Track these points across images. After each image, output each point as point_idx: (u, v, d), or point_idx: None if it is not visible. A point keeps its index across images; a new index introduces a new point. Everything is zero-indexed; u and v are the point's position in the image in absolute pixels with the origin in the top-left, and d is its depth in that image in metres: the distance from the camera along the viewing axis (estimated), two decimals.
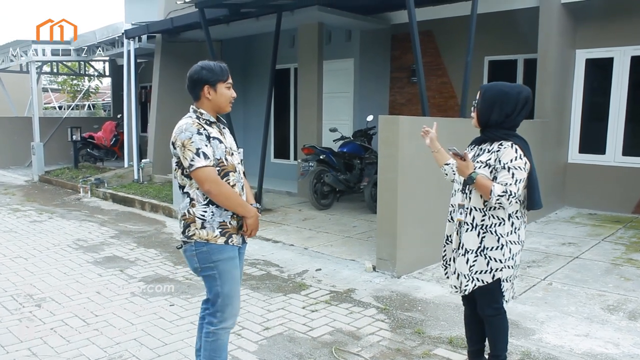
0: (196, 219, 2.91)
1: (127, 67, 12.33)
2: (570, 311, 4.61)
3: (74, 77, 21.35)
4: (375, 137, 9.03)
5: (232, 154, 3.03)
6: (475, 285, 3.11)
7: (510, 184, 2.91)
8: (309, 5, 9.10)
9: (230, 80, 3.05)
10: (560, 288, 5.20)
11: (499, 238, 3.03)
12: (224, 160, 2.93)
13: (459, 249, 3.19)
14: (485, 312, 3.21)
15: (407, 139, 5.41)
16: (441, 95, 10.63)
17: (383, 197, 5.59)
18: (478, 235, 3.07)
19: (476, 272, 3.09)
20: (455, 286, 3.26)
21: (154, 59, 12.57)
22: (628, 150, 8.78)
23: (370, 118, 9.22)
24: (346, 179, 9.01)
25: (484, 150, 3.12)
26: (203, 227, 2.90)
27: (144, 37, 12.37)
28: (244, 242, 3.08)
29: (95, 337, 4.11)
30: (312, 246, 6.82)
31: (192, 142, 2.82)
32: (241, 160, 3.24)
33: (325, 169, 8.88)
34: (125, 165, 12.58)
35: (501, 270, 3.05)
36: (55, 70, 19.09)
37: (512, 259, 3.07)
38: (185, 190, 2.95)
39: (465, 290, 3.15)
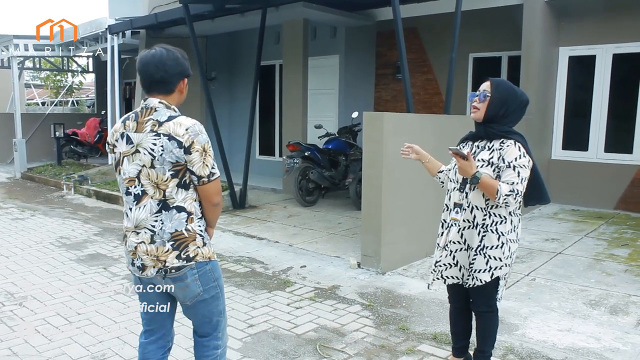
0: (197, 236, 2.50)
1: (110, 63, 12.20)
2: (553, 306, 4.65)
3: (57, 72, 21.10)
4: (361, 134, 9.02)
5: None
6: (474, 284, 3.09)
7: (517, 183, 2.89)
8: (294, 1, 9.07)
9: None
10: (544, 284, 5.25)
11: (499, 236, 3.01)
12: None
13: (444, 248, 3.18)
14: (479, 309, 3.22)
15: (391, 136, 5.42)
16: (426, 91, 10.67)
17: (368, 193, 5.60)
18: (478, 234, 3.03)
19: (476, 270, 3.06)
20: (456, 277, 3.19)
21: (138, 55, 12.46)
22: (610, 147, 8.88)
23: (355, 115, 9.23)
24: (331, 176, 9.02)
25: (483, 147, 3.08)
26: (204, 244, 2.53)
27: (128, 32, 12.25)
28: None
29: (77, 336, 4.07)
30: (297, 243, 6.81)
31: (211, 147, 2.46)
32: None
33: (310, 165, 8.87)
34: (109, 161, 12.46)
35: (500, 268, 3.03)
36: (37, 66, 18.84)
37: (511, 257, 3.06)
38: (176, 205, 2.44)
39: (467, 283, 3.14)
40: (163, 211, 2.44)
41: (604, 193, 8.84)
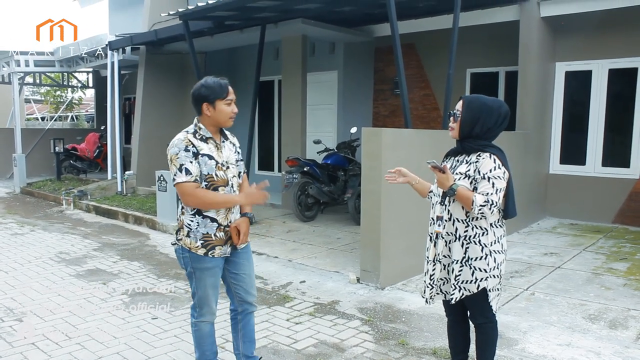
0: (184, 226, 3.18)
1: (110, 79, 12.28)
2: (552, 321, 4.66)
3: (57, 88, 21.19)
4: (359, 149, 9.08)
5: (228, 167, 3.21)
6: (462, 294, 3.13)
7: (491, 194, 2.96)
8: (293, 18, 9.17)
9: (230, 97, 3.15)
10: (543, 298, 5.26)
11: (482, 248, 3.06)
12: (213, 175, 3.11)
13: (434, 261, 3.22)
14: (477, 321, 3.24)
15: (390, 151, 5.45)
16: (424, 107, 10.73)
17: (366, 209, 5.62)
18: (462, 246, 3.10)
19: (462, 281, 3.11)
20: (446, 291, 3.24)
21: (138, 71, 12.55)
22: (607, 161, 8.93)
23: (354, 130, 9.27)
24: (330, 191, 9.04)
25: (461, 161, 3.17)
26: (188, 235, 3.16)
27: (128, 48, 12.36)
28: (234, 248, 3.28)
29: (77, 352, 4.07)
30: (296, 258, 6.82)
31: (178, 157, 3.04)
32: (239, 173, 3.35)
33: (309, 180, 8.89)
34: (109, 177, 12.49)
35: (486, 279, 3.07)
36: (38, 81, 18.93)
37: (497, 268, 3.10)
38: (179, 198, 3.18)
39: (452, 297, 3.16)
40: (177, 202, 3.34)
41: (601, 207, 8.87)
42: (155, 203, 9.06)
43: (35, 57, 13.97)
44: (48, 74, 17.47)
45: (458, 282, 3.12)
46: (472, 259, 3.07)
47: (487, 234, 3.08)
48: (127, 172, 12.08)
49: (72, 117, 25.87)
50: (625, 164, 8.73)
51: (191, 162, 3.04)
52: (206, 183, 3.10)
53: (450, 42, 6.99)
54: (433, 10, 9.04)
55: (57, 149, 13.88)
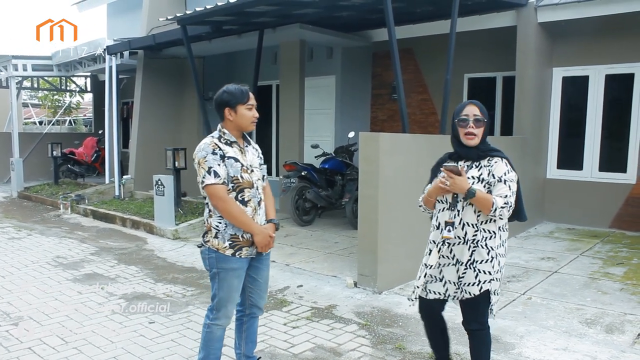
0: (212, 228, 3.29)
1: (108, 83, 12.29)
2: (549, 325, 4.66)
3: (55, 92, 21.19)
4: (357, 154, 9.06)
5: (252, 170, 3.34)
6: (463, 296, 3.14)
7: (509, 196, 3.02)
8: (291, 23, 9.19)
9: (251, 102, 3.30)
10: (540, 302, 5.26)
11: (489, 251, 3.09)
12: (239, 177, 3.24)
13: (437, 267, 3.20)
14: (470, 327, 3.24)
15: (387, 156, 5.46)
16: (422, 111, 10.76)
17: (364, 213, 5.63)
18: (469, 249, 3.10)
19: (465, 284, 3.12)
20: (439, 292, 3.22)
21: (136, 75, 12.55)
22: (604, 166, 8.95)
23: (351, 134, 9.29)
24: (328, 195, 9.05)
25: (470, 166, 3.17)
26: (216, 236, 3.27)
27: (126, 53, 12.35)
28: (259, 253, 3.38)
29: (74, 356, 4.07)
30: (293, 262, 6.82)
31: (206, 161, 3.17)
32: (263, 176, 3.48)
33: (307, 185, 8.90)
34: (107, 181, 12.48)
35: (489, 282, 3.10)
36: (35, 86, 18.92)
37: (500, 271, 3.13)
38: (206, 202, 3.32)
39: (455, 297, 3.18)
40: (205, 207, 3.37)
41: (599, 212, 8.89)
42: (153, 207, 9.06)
43: (33, 61, 13.96)
44: (46, 78, 17.47)
45: (460, 283, 3.14)
46: (477, 261, 3.09)
47: (494, 237, 3.11)
48: (124, 177, 12.07)
49: (70, 122, 25.88)
50: (622, 169, 8.76)
51: (219, 164, 3.17)
52: (233, 185, 3.23)
53: (448, 47, 7.01)
54: (430, 16, 9.08)
55: (54, 153, 13.85)
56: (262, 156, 3.53)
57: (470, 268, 3.10)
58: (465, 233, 3.10)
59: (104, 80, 12.68)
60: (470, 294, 3.11)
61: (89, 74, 16.67)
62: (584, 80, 9.06)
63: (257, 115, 3.32)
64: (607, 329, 4.58)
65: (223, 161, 3.19)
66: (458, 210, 3.12)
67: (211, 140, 3.25)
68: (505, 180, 3.05)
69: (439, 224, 3.20)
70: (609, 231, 8.64)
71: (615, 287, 5.76)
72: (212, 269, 3.31)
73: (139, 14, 13.32)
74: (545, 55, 9.02)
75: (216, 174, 3.15)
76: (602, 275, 6.20)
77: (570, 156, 9.27)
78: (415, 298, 3.32)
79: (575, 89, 9.20)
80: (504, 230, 3.16)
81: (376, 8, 7.57)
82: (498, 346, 4.21)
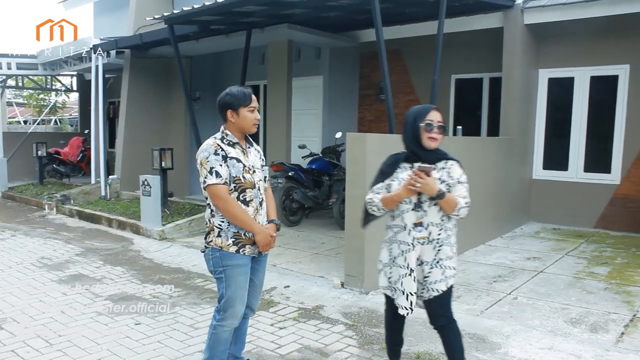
0: (214, 227, 3.31)
1: (95, 82, 12.18)
2: (534, 325, 4.70)
3: (40, 91, 20.99)
4: (344, 154, 9.10)
5: (254, 171, 3.37)
6: (430, 295, 3.23)
7: (467, 196, 3.19)
8: (279, 23, 9.18)
9: (253, 105, 3.35)
10: (526, 302, 5.30)
11: (451, 248, 3.26)
12: (241, 178, 3.28)
13: (408, 267, 3.21)
14: (440, 323, 3.35)
15: (374, 156, 5.45)
16: None
17: (351, 213, 5.63)
18: (434, 249, 3.22)
19: (431, 282, 3.22)
20: (405, 307, 3.24)
21: (123, 75, 12.47)
22: (589, 167, 9.04)
23: (339, 135, 9.29)
24: (315, 196, 9.05)
25: None
26: (219, 235, 3.29)
27: (113, 52, 12.28)
28: (260, 252, 3.40)
29: (58, 358, 4.03)
30: (280, 263, 6.81)
31: (208, 161, 3.20)
32: (264, 177, 3.52)
33: (294, 185, 8.89)
34: (92, 181, 12.38)
35: (453, 277, 3.27)
36: (20, 84, 18.73)
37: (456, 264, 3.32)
38: (207, 202, 3.33)
39: (421, 298, 3.28)
40: (206, 207, 3.38)
41: (583, 212, 8.97)
42: (139, 208, 9.00)
43: (17, 60, 13.83)
44: (31, 77, 17.29)
45: (427, 282, 3.23)
46: (442, 259, 3.22)
47: (454, 234, 3.29)
48: (110, 177, 11.98)
49: (55, 121, 25.62)
50: (607, 169, 8.85)
51: (221, 165, 3.20)
52: (235, 185, 3.26)
53: (435, 48, 7.05)
54: (418, 17, 9.12)
55: (39, 152, 13.72)
56: (264, 158, 3.57)
57: (436, 266, 3.22)
58: (430, 233, 3.22)
59: (90, 80, 12.59)
60: (438, 291, 3.22)
61: (75, 73, 16.52)
62: (570, 81, 9.15)
63: (259, 117, 3.37)
64: (591, 328, 4.62)
65: (225, 162, 3.22)
66: (425, 211, 3.21)
67: (214, 141, 3.28)
68: (461, 182, 3.22)
69: (406, 225, 3.24)
70: (593, 231, 8.73)
71: (600, 286, 5.81)
72: (217, 269, 3.32)
73: (126, 13, 13.22)
74: (531, 57, 9.09)
75: (218, 174, 3.18)
76: (586, 274, 6.26)
77: (556, 157, 9.36)
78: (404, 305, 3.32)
79: (561, 90, 9.28)
80: (455, 227, 3.33)
81: (364, 9, 7.59)
82: (484, 346, 4.23)
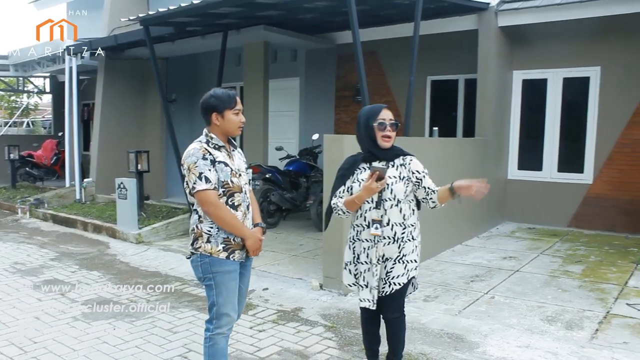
0: (203, 233, 3.21)
1: (68, 84, 12.01)
2: (512, 323, 4.75)
3: (12, 93, 20.62)
4: (321, 156, 9.10)
5: (240, 175, 3.31)
6: (392, 289, 3.31)
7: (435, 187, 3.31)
8: (255, 24, 9.16)
9: (238, 107, 3.27)
10: (503, 301, 5.36)
11: (414, 242, 3.34)
12: (229, 182, 3.21)
13: (370, 263, 3.32)
14: (393, 315, 3.43)
15: None
16: None
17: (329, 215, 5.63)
18: (398, 247, 3.29)
19: (393, 277, 3.30)
20: (368, 299, 3.35)
21: (97, 76, 12.31)
22: (563, 167, 9.19)
23: (315, 136, 9.30)
24: (292, 198, 9.04)
25: (387, 166, 3.31)
26: (208, 241, 3.20)
27: (87, 53, 12.10)
28: (248, 257, 3.34)
29: None
30: (258, 265, 6.77)
31: (197, 166, 3.11)
32: (249, 180, 3.46)
33: (271, 187, 8.87)
34: (67, 184, 12.19)
35: (415, 269, 3.35)
36: None
37: (419, 256, 3.39)
38: (194, 208, 3.27)
39: (383, 292, 3.34)
40: (192, 213, 3.31)
41: (558, 211, 9.12)
42: (115, 211, 8.89)
43: None
44: (2, 78, 16.97)
45: (389, 277, 3.30)
46: (405, 255, 3.30)
47: (416, 227, 3.37)
48: (85, 180, 11.81)
49: (27, 123, 25.21)
50: (580, 169, 9.01)
51: (209, 170, 3.13)
52: (223, 189, 3.19)
53: (411, 50, 7.09)
54: (394, 19, 9.17)
55: (11, 155, 13.47)
56: (245, 160, 3.52)
57: (398, 262, 3.30)
58: (395, 233, 3.28)
59: (64, 81, 12.40)
60: (400, 285, 3.30)
61: (48, 74, 16.26)
62: (543, 83, 9.29)
63: (243, 119, 3.31)
64: (567, 325, 4.70)
65: (214, 166, 3.15)
66: (385, 210, 3.27)
67: (200, 145, 3.19)
68: (426, 174, 3.33)
69: (368, 223, 3.32)
70: (567, 230, 8.87)
71: (574, 284, 5.91)
72: (206, 275, 3.22)
73: (100, 14, 13.06)
74: (505, 59, 9.21)
75: (207, 180, 3.10)
76: (561, 273, 6.36)
77: (530, 157, 9.49)
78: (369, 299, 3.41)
79: (535, 92, 9.42)
80: (418, 217, 3.40)
81: (340, 10, 7.61)
82: (462, 345, 4.27)
